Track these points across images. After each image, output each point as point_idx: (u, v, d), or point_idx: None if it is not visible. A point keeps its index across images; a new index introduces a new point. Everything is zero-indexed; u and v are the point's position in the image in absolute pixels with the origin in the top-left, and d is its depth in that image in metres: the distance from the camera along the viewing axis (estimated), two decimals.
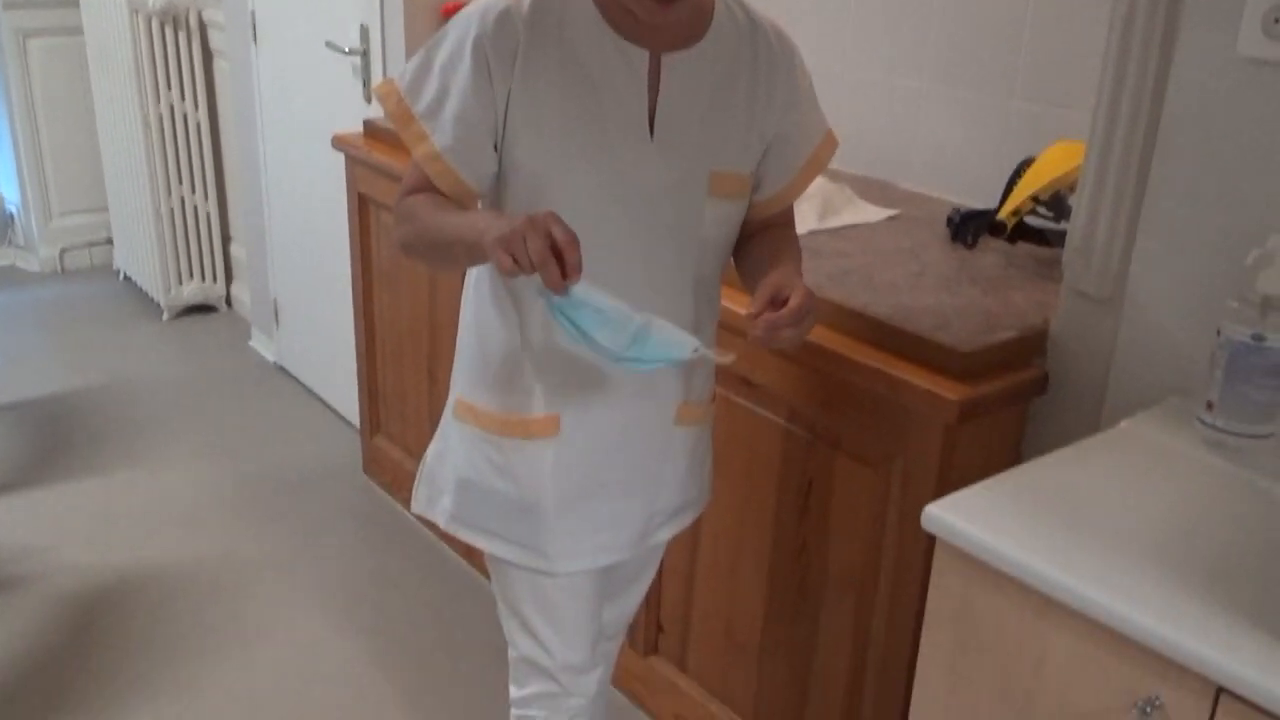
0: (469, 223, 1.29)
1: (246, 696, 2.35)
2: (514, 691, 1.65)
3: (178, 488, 3.15)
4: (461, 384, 1.54)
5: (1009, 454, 1.68)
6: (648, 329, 1.25)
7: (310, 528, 2.99)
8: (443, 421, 1.59)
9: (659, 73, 1.37)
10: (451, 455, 1.55)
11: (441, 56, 1.36)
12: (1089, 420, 1.61)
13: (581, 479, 1.50)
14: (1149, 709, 1.09)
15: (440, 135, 1.36)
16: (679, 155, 1.38)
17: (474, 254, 1.27)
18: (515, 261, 1.18)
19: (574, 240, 1.18)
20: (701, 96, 1.39)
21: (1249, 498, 1.31)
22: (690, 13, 1.35)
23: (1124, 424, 1.46)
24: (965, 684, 1.28)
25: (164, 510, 3.04)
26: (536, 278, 1.20)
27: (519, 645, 1.61)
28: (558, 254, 1.17)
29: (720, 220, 1.46)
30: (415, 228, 1.38)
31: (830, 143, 1.55)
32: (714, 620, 2.07)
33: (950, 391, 1.54)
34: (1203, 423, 1.40)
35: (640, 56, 1.36)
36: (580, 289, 1.21)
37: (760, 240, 1.54)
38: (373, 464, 3.20)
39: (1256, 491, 1.32)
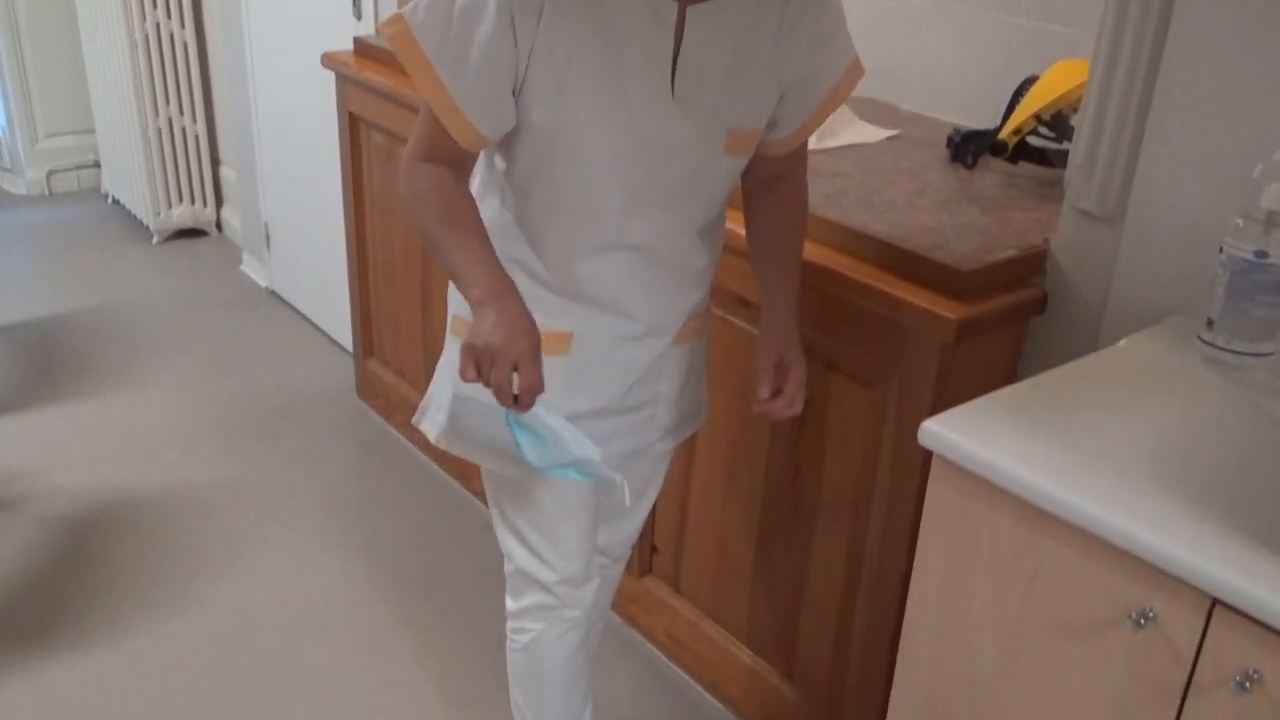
0: (465, 268, 1.30)
1: (242, 614, 2.37)
2: (510, 604, 1.66)
3: (170, 411, 3.15)
4: (458, 301, 1.53)
5: (1006, 373, 1.67)
6: (577, 465, 1.31)
7: (304, 450, 2.98)
8: (446, 340, 1.58)
9: (684, 24, 1.29)
10: (449, 370, 1.55)
11: (461, 1, 1.27)
12: (1087, 340, 1.60)
13: (584, 395, 1.50)
14: (1142, 620, 1.09)
15: (460, 88, 1.28)
16: (699, 115, 1.34)
17: (458, 287, 1.32)
18: (477, 372, 1.24)
19: (534, 386, 1.24)
20: (724, 50, 1.32)
21: (1248, 415, 1.31)
22: None
23: (1123, 342, 1.45)
24: (959, 599, 1.28)
25: (157, 433, 3.04)
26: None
27: (515, 558, 1.61)
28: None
29: (733, 173, 1.44)
30: (420, 221, 1.36)
31: (855, 73, 1.47)
32: (707, 541, 2.08)
33: (948, 310, 1.53)
34: (1203, 341, 1.39)
35: (669, 7, 1.28)
36: (531, 417, 1.27)
37: (768, 229, 1.53)
38: (366, 388, 3.19)
39: (1255, 409, 1.31)
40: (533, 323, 1.27)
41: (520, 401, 1.25)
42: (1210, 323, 1.37)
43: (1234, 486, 1.17)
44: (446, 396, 1.55)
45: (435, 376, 1.60)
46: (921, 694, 1.37)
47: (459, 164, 1.36)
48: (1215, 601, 1.04)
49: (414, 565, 2.55)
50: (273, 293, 3.87)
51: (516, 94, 1.31)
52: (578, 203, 1.38)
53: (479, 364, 1.23)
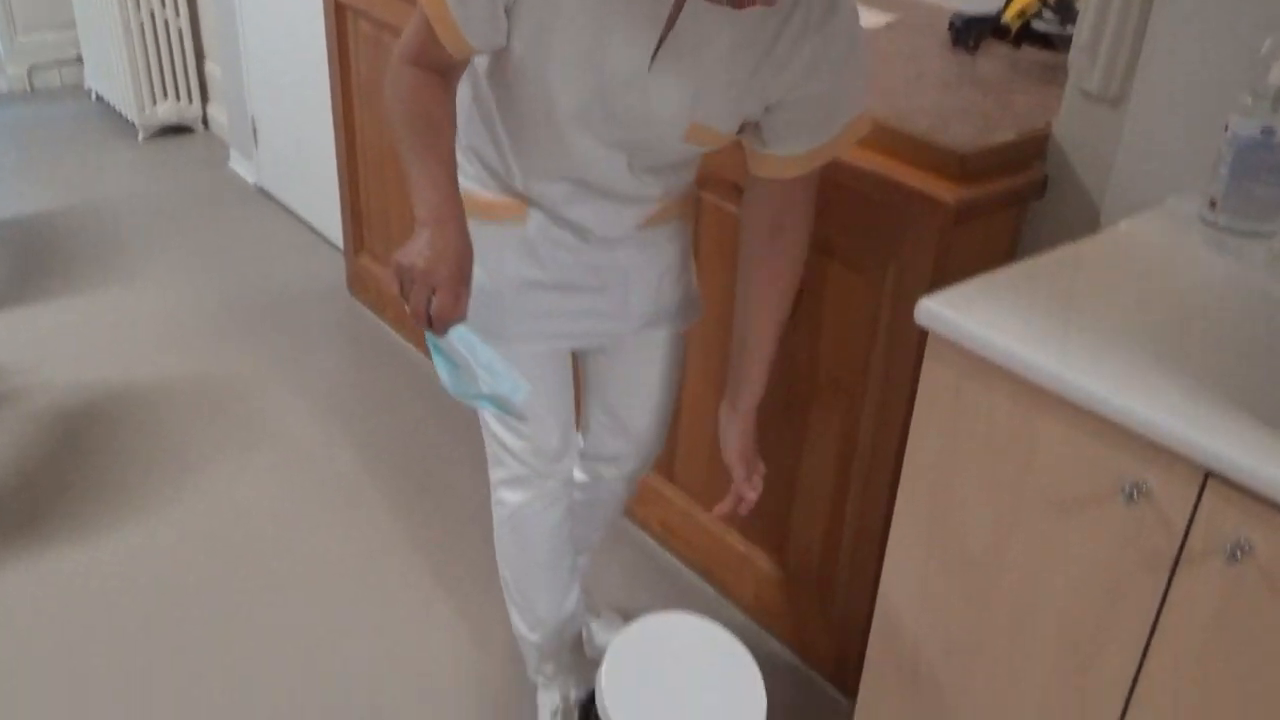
0: (419, 185, 1.29)
1: (237, 506, 2.38)
2: (491, 474, 1.68)
3: (160, 307, 3.12)
4: None
5: (1005, 257, 1.66)
6: (491, 399, 1.29)
7: (297, 346, 2.97)
8: None
9: (680, 11, 1.25)
10: None
11: None
12: (1088, 223, 1.58)
13: (541, 267, 1.49)
14: (1135, 494, 1.09)
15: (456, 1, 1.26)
16: (667, 97, 1.30)
17: (411, 198, 1.31)
18: (400, 289, 1.24)
19: (446, 314, 1.23)
20: (712, 48, 1.27)
21: (1248, 295, 1.29)
22: None
23: (1123, 224, 1.43)
24: (952, 478, 1.29)
25: (148, 329, 3.02)
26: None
27: (491, 428, 1.63)
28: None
29: (695, 150, 1.40)
30: (392, 121, 1.34)
31: (857, 126, 1.37)
32: (701, 430, 2.09)
33: (946, 193, 1.50)
34: (1205, 221, 1.37)
35: None
36: (447, 343, 1.27)
37: (753, 300, 1.51)
38: (357, 283, 3.17)
39: (1255, 289, 1.30)
40: (466, 249, 1.27)
41: (434, 325, 1.24)
42: (1213, 203, 1.35)
43: (1232, 364, 1.17)
44: None
45: None
46: (913, 573, 1.38)
47: (445, 71, 1.34)
48: (1208, 474, 1.04)
49: (408, 458, 2.56)
50: (261, 189, 3.82)
51: (508, 14, 1.28)
52: (535, 133, 1.37)
53: (402, 282, 1.24)
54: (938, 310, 1.22)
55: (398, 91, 1.34)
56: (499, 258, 1.48)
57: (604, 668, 1.39)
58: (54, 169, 3.94)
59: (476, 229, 1.44)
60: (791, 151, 1.38)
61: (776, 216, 1.45)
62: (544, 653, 1.79)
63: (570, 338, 1.57)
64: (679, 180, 1.49)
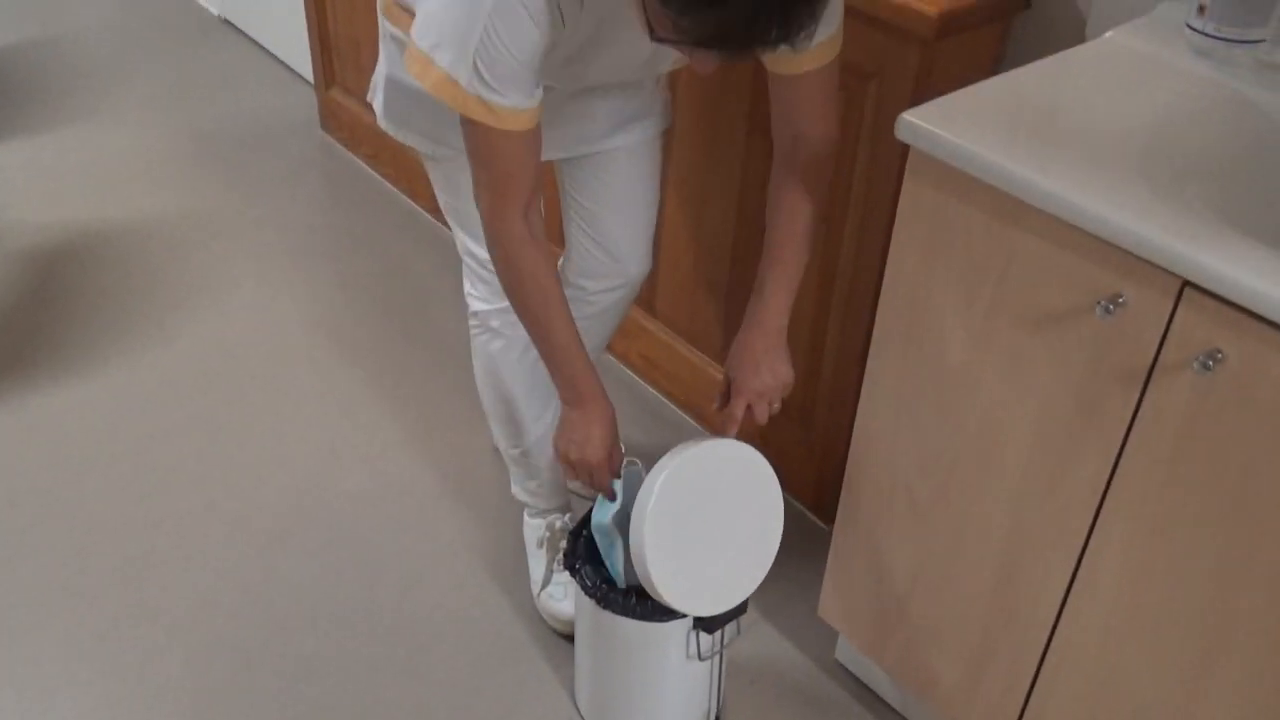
0: (558, 370, 1.44)
1: (220, 344, 2.38)
2: (466, 288, 1.70)
3: (128, 144, 3.05)
4: None
5: (989, 73, 1.60)
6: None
7: (271, 183, 2.92)
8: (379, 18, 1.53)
9: None
10: (383, 53, 1.54)
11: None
12: (1074, 35, 1.54)
13: None
14: (1111, 307, 1.09)
15: (501, 98, 1.23)
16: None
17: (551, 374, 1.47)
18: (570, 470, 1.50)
19: (605, 485, 1.50)
20: None
21: (1233, 103, 1.27)
22: None
23: (1109, 34, 1.39)
24: (930, 295, 1.28)
25: (119, 166, 2.95)
26: None
27: (459, 239, 1.65)
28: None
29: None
30: (516, 302, 1.41)
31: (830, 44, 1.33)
32: (681, 261, 2.07)
33: (928, 5, 1.45)
34: (1191, 28, 1.33)
35: None
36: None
37: (779, 223, 1.45)
38: (330, 119, 3.09)
39: (1241, 97, 1.27)
40: (609, 423, 1.47)
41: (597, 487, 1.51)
42: (1201, 8, 1.31)
43: (1213, 174, 1.15)
44: (381, 78, 1.55)
45: (379, 60, 1.56)
46: (891, 392, 1.39)
47: (532, 196, 1.33)
48: (1185, 284, 1.04)
49: (387, 295, 2.55)
50: (226, 20, 3.69)
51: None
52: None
53: (576, 469, 1.49)
54: (917, 124, 1.20)
55: (514, 273, 1.37)
56: None
57: (649, 499, 1.40)
58: (10, 1, 3.78)
59: None
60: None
61: (795, 123, 1.39)
62: (527, 466, 1.82)
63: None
64: None
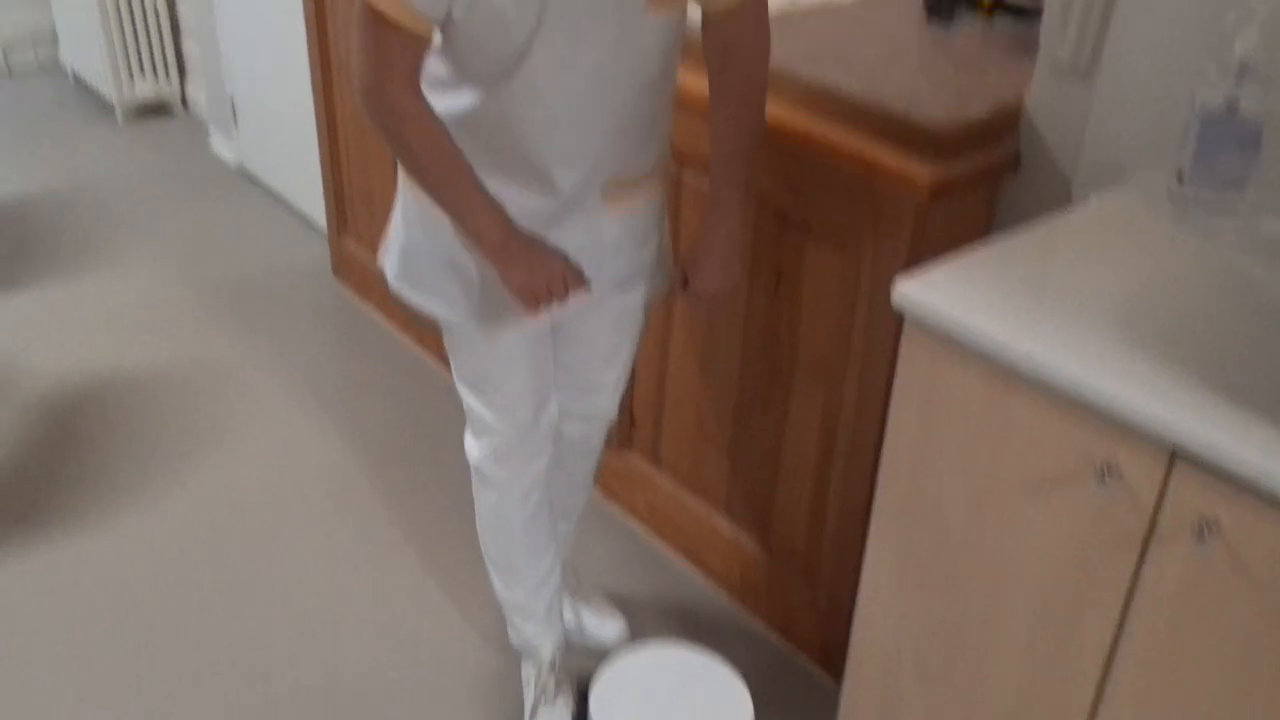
0: (469, 222, 1.42)
1: (229, 493, 2.40)
2: (468, 443, 1.72)
3: (145, 292, 3.12)
4: None
5: (980, 233, 1.67)
6: None
7: (282, 331, 2.98)
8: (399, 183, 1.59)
9: None
10: (398, 215, 1.59)
11: None
12: (1060, 197, 1.59)
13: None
14: (1105, 476, 1.11)
15: None
16: None
17: (466, 236, 1.46)
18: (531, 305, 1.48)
19: (580, 285, 1.50)
20: None
21: (1215, 269, 1.31)
22: None
23: (1094, 200, 1.44)
24: (931, 458, 1.30)
25: (133, 314, 3.02)
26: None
27: (465, 401, 1.67)
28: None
29: (665, 37, 1.39)
30: (406, 165, 1.41)
31: None
32: (686, 412, 2.10)
33: (921, 171, 1.51)
34: (1173, 195, 1.38)
35: None
36: None
37: (718, 123, 1.51)
38: (342, 266, 3.17)
39: (1223, 262, 1.31)
40: (539, 243, 1.45)
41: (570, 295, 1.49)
42: (1181, 176, 1.36)
43: (1198, 340, 1.18)
44: (397, 240, 1.59)
45: (392, 219, 1.61)
46: (894, 553, 1.40)
47: (414, 73, 1.34)
48: (1175, 453, 1.06)
49: (394, 442, 2.57)
50: (243, 170, 3.81)
51: None
52: (501, 66, 1.35)
53: (539, 297, 1.46)
54: (913, 293, 1.24)
55: (388, 135, 1.37)
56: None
57: (593, 696, 1.40)
58: (33, 152, 3.91)
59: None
60: None
61: (726, 42, 1.48)
62: (523, 611, 1.82)
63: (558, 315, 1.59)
64: (655, 103, 1.48)
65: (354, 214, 3.01)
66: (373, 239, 2.96)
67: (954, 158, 1.54)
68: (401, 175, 1.55)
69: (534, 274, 1.45)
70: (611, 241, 1.54)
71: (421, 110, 1.35)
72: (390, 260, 1.61)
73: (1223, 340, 1.19)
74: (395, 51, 1.31)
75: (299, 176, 3.43)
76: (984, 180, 1.61)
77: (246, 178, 3.78)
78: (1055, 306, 1.21)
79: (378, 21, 1.28)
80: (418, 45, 1.31)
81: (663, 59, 1.43)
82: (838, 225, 1.66)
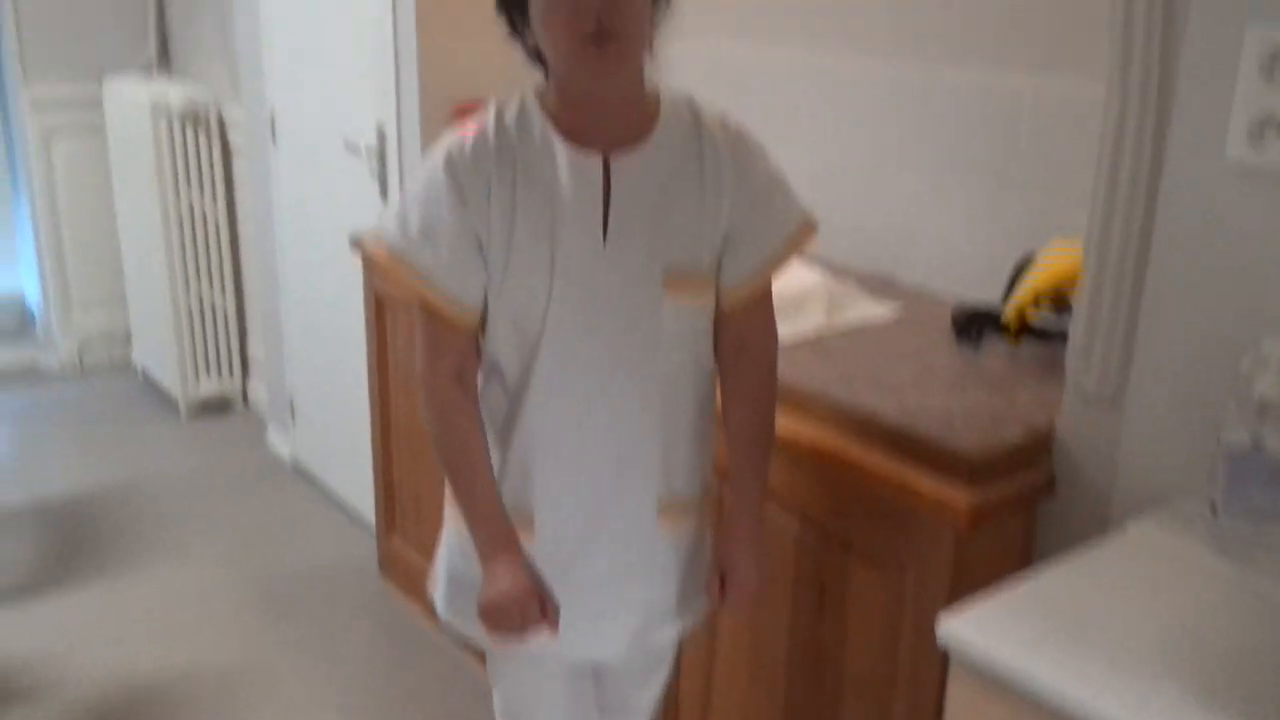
0: (472, 516, 1.51)
1: None
2: None
3: (193, 591, 3.17)
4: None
5: (1021, 555, 1.69)
6: None
7: (328, 632, 2.99)
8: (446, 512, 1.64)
9: (610, 175, 1.43)
10: (444, 544, 1.64)
11: (421, 194, 1.44)
12: (1098, 521, 1.62)
13: (559, 576, 1.53)
14: None
15: (437, 268, 1.42)
16: (631, 256, 1.44)
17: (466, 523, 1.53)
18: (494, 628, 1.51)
19: (541, 628, 1.51)
20: (650, 195, 1.44)
21: (1256, 603, 1.32)
22: (631, 89, 1.44)
23: (1131, 527, 1.47)
24: None
25: (178, 614, 3.05)
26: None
27: (495, 699, 1.66)
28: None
29: (680, 314, 1.49)
30: (435, 449, 1.52)
31: (805, 231, 1.54)
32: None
33: (959, 496, 1.56)
34: (1209, 525, 1.41)
35: (593, 164, 1.42)
36: None
37: (732, 414, 1.59)
38: (389, 566, 3.21)
39: (1262, 596, 1.33)
40: (528, 574, 1.49)
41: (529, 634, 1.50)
42: (1214, 508, 1.39)
43: (1243, 680, 1.18)
44: (443, 570, 1.63)
45: (439, 549, 1.65)
46: None
47: (464, 361, 1.47)
48: None
49: None
50: (297, 466, 3.93)
51: (482, 249, 1.44)
52: (522, 344, 1.47)
53: (500, 623, 1.48)
54: (958, 632, 1.25)
55: (432, 418, 1.47)
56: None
57: None
58: (96, 447, 4.07)
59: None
60: (745, 272, 1.51)
61: (739, 336, 1.57)
62: None
63: (594, 648, 1.60)
64: (681, 398, 1.54)
65: (403, 514, 3.08)
66: (421, 540, 3.01)
67: (990, 482, 1.59)
68: (448, 505, 1.61)
69: (505, 602, 1.48)
70: (661, 565, 1.58)
71: (460, 402, 1.48)
72: (439, 591, 1.64)
73: (1264, 678, 1.19)
74: (443, 339, 1.46)
75: (351, 474, 3.53)
76: (1021, 504, 1.65)
77: (300, 473, 3.89)
78: (1100, 644, 1.22)
79: (426, 311, 1.44)
80: (462, 334, 1.46)
81: (687, 350, 1.51)
82: (879, 546, 1.69)
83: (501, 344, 1.49)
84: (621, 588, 1.57)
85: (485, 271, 1.44)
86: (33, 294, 4.80)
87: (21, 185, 4.64)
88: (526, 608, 1.47)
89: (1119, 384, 1.60)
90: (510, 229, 1.41)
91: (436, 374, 1.47)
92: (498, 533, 1.49)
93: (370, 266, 2.93)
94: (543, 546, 1.53)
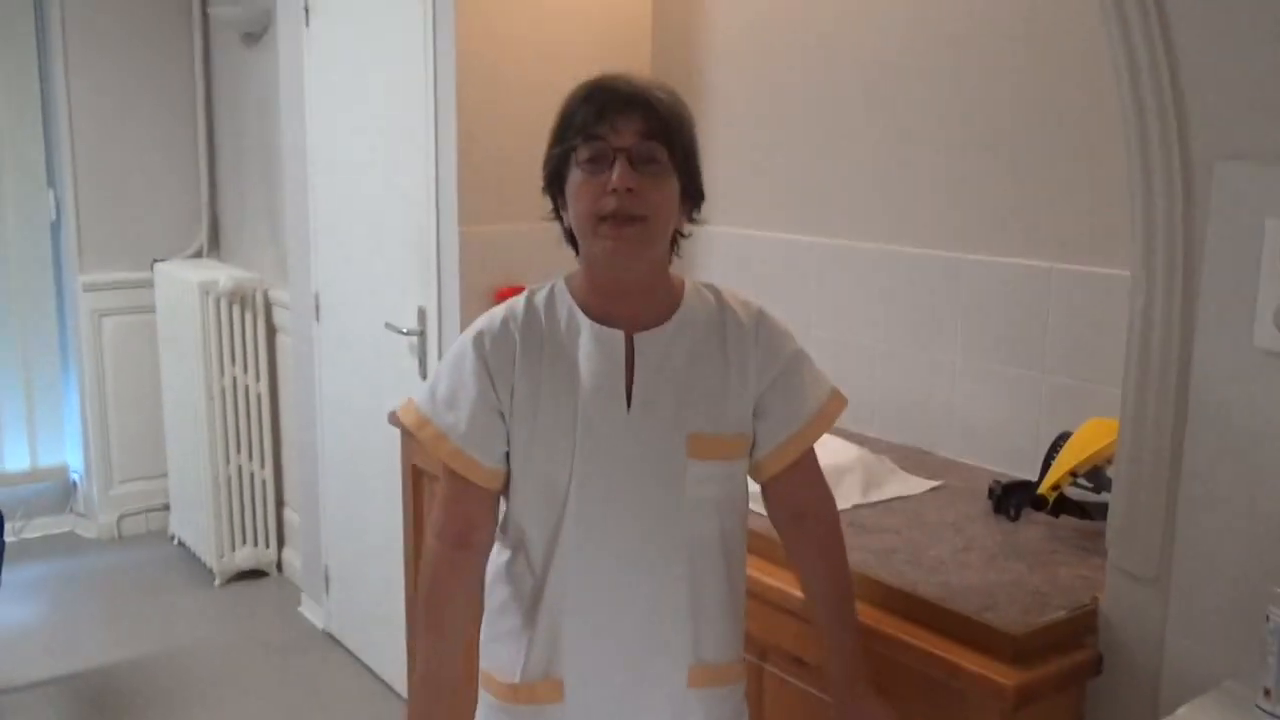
0: (426, 677, 1.56)
1: None
2: None
3: None
4: (487, 655, 1.62)
5: None
6: None
7: None
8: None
9: (633, 351, 1.50)
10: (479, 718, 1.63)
11: (449, 366, 1.53)
12: (1148, 701, 1.60)
13: None
14: None
15: (454, 421, 1.50)
16: (655, 422, 1.49)
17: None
18: None
19: None
20: (675, 368, 1.50)
21: None
22: (653, 275, 1.51)
23: (1182, 711, 1.45)
24: None
25: None
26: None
27: None
28: None
29: (705, 479, 1.52)
30: (420, 599, 1.57)
31: (835, 401, 1.59)
32: None
33: (1004, 676, 1.54)
34: (1262, 709, 1.39)
35: (616, 339, 1.49)
36: None
37: (806, 572, 1.63)
38: None
39: None
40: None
41: None
42: (1268, 692, 1.38)
43: None
44: None
45: None
46: None
47: (475, 522, 1.53)
48: None
49: None
50: (330, 635, 3.91)
51: (504, 418, 1.50)
52: (548, 513, 1.51)
53: None
54: None
55: (422, 572, 1.55)
56: None
57: None
58: (131, 617, 4.07)
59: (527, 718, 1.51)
60: (780, 440, 1.55)
61: (791, 504, 1.60)
62: None
63: None
64: (715, 565, 1.56)
65: None
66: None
67: (1036, 661, 1.58)
68: (481, 682, 1.61)
69: None
70: None
71: (459, 562, 1.53)
72: None
73: None
74: (456, 498, 1.52)
75: (384, 645, 3.51)
76: (1068, 683, 1.63)
77: (333, 641, 3.86)
78: None
79: (445, 470, 1.51)
80: (476, 494, 1.51)
81: (713, 519, 1.54)
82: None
83: (528, 513, 1.53)
84: None
85: (506, 438, 1.51)
86: (76, 466, 4.88)
87: (72, 362, 4.78)
88: None
89: (1163, 564, 1.60)
90: (536, 399, 1.49)
91: (442, 532, 1.54)
92: (430, 710, 1.55)
93: (407, 439, 2.98)
94: (574, 713, 1.53)
